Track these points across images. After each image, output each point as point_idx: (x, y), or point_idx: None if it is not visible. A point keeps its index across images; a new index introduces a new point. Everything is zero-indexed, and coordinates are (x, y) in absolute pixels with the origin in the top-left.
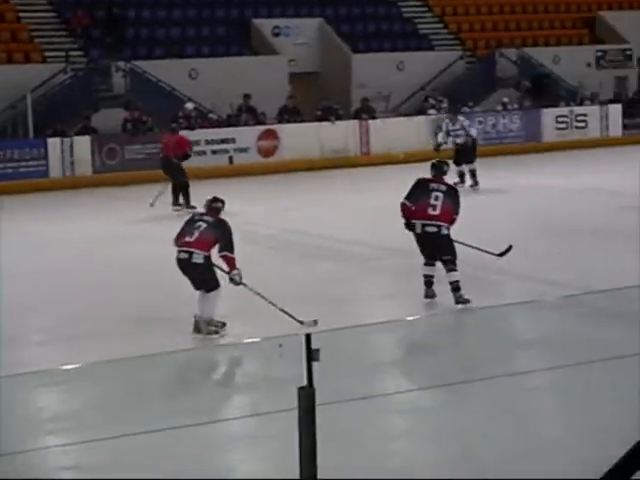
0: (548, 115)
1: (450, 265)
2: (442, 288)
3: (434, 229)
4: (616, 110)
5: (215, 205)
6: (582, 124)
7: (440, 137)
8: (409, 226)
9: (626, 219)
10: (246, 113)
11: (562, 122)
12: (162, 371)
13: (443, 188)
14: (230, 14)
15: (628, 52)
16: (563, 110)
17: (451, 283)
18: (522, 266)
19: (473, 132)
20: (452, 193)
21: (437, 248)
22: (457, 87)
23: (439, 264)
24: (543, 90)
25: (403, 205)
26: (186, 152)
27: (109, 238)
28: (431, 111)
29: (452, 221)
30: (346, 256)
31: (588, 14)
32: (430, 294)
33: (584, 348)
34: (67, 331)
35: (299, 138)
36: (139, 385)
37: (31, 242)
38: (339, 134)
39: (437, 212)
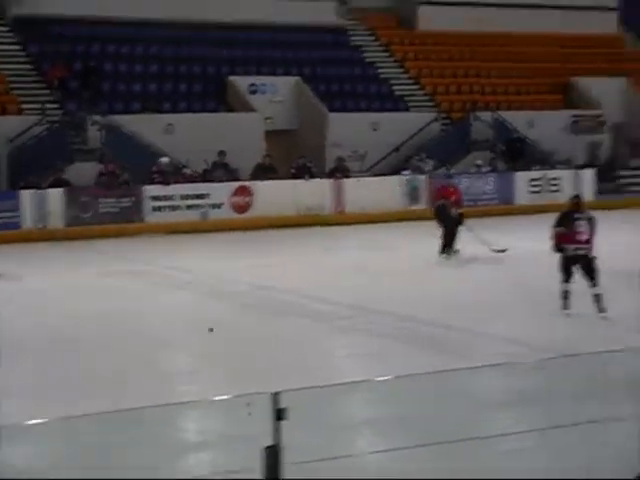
0: (522, 178)
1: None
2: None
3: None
4: (589, 175)
5: None
6: (555, 188)
7: None
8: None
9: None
10: (220, 169)
11: (535, 185)
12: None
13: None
14: (207, 71)
15: (601, 118)
16: (537, 174)
17: (595, 295)
18: (496, 327)
19: None
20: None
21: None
22: (432, 148)
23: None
24: (517, 153)
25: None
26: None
27: (83, 291)
28: (405, 172)
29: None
30: (316, 314)
31: (562, 80)
32: (568, 306)
33: (562, 411)
34: None
35: (273, 195)
36: None
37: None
38: (314, 192)
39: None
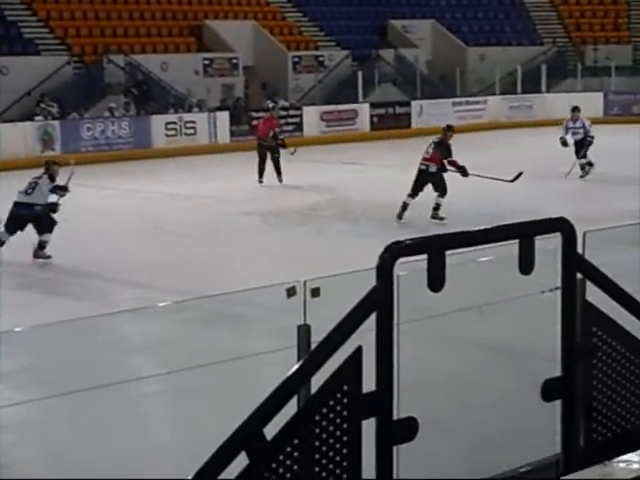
0: (157, 122)
1: None
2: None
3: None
4: (223, 117)
5: None
6: (191, 131)
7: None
8: None
9: (236, 223)
10: None
11: (172, 129)
12: None
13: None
14: None
15: (234, 60)
16: (172, 117)
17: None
18: (133, 273)
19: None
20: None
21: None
22: (65, 93)
23: None
24: (151, 97)
25: None
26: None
27: None
28: (37, 117)
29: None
30: None
31: (195, 22)
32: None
33: (195, 352)
34: None
35: None
36: None
37: None
38: None
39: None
